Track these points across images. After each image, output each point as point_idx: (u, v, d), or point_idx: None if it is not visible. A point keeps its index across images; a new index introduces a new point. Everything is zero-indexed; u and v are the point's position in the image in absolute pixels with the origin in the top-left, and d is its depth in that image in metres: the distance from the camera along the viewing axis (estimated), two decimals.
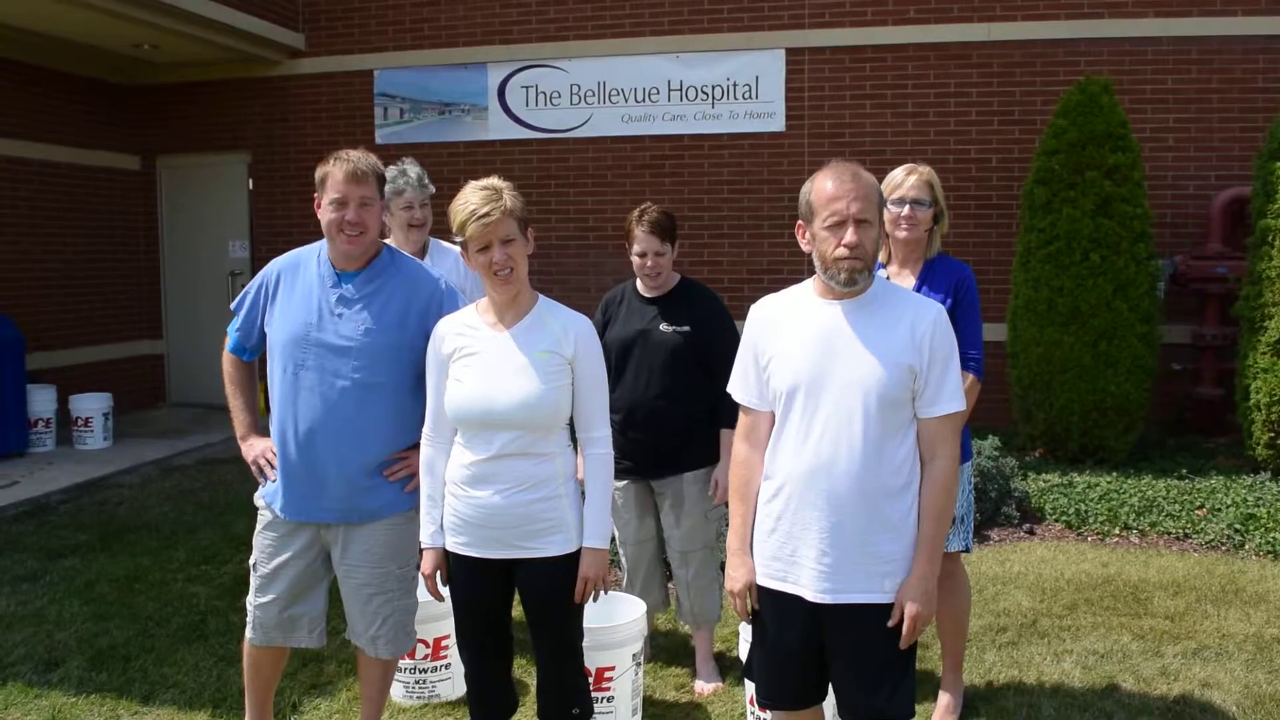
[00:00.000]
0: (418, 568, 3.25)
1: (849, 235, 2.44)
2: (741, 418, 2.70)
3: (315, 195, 3.05)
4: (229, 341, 3.26)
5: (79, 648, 4.39)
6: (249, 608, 3.20)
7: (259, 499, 3.19)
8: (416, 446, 3.14)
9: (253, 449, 3.18)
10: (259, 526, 3.17)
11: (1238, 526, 5.76)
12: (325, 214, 3.00)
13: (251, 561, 3.20)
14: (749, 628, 2.77)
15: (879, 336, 2.48)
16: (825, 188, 2.49)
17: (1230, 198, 7.84)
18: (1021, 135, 8.38)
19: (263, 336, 3.18)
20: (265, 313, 3.15)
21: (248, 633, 3.21)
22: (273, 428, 3.11)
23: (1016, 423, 7.56)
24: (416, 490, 3.14)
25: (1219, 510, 6.00)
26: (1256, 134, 7.66)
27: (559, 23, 9.29)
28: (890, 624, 2.47)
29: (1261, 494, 6.21)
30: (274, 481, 3.10)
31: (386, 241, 3.20)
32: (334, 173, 2.99)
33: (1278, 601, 4.81)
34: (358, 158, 3.01)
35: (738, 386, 2.69)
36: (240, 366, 3.27)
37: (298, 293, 3.08)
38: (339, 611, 3.24)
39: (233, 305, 3.28)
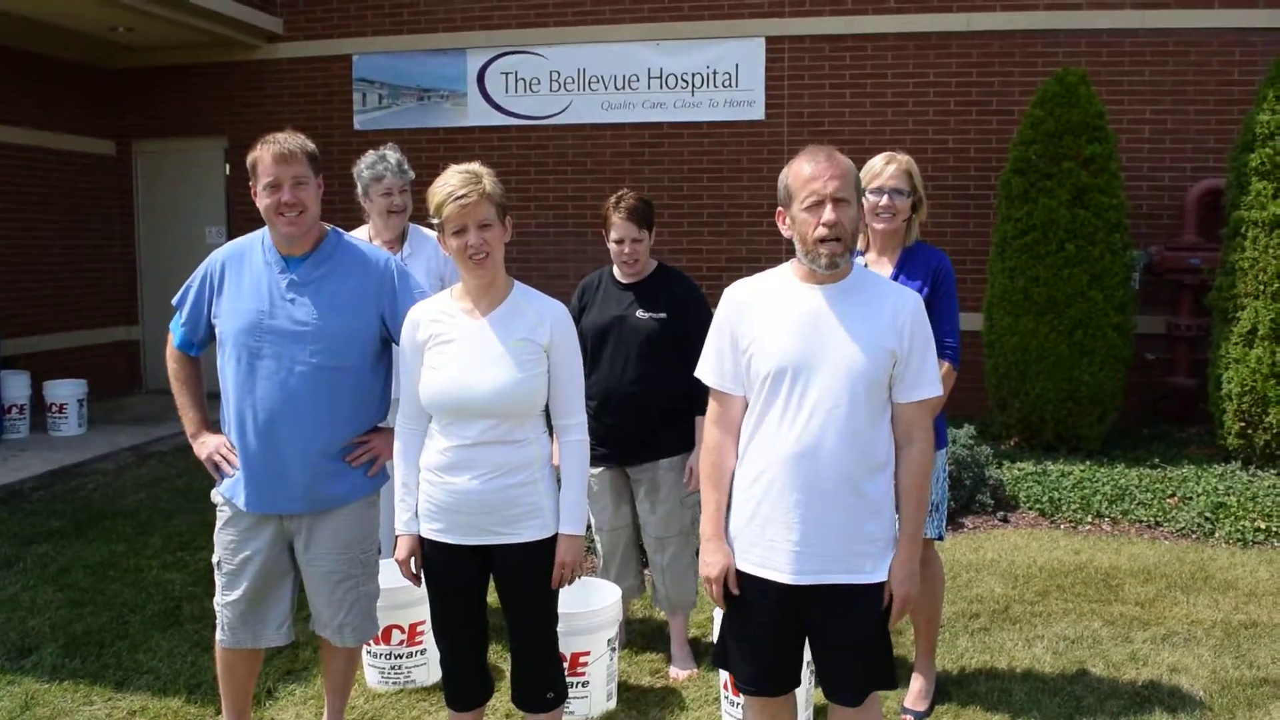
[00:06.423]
0: (378, 552, 3.24)
1: (827, 214, 2.44)
2: (712, 403, 2.68)
3: (249, 184, 2.99)
4: (175, 338, 3.15)
5: (53, 634, 4.37)
6: (217, 609, 3.15)
7: (217, 495, 3.11)
8: (377, 430, 3.12)
9: (206, 446, 3.09)
10: (219, 523, 3.11)
11: (1208, 515, 5.83)
12: (262, 200, 2.94)
13: (215, 560, 3.14)
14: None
15: (864, 321, 2.49)
16: (802, 170, 2.50)
17: (1205, 189, 7.90)
18: (999, 125, 8.42)
19: (210, 330, 3.09)
20: (212, 305, 3.06)
21: (218, 634, 3.16)
22: (227, 420, 3.05)
23: (992, 411, 7.62)
24: (379, 474, 3.13)
25: (1190, 499, 6.07)
26: (1232, 126, 7.72)
27: (539, 9, 9.25)
28: (883, 607, 2.52)
29: (1232, 483, 6.29)
30: (233, 476, 3.04)
31: (331, 226, 3.13)
32: (263, 157, 2.93)
33: (1246, 588, 4.88)
34: (284, 139, 2.96)
35: (710, 370, 2.66)
36: (187, 363, 3.18)
37: (246, 281, 3.01)
38: (304, 600, 3.22)
39: (174, 300, 3.17)
